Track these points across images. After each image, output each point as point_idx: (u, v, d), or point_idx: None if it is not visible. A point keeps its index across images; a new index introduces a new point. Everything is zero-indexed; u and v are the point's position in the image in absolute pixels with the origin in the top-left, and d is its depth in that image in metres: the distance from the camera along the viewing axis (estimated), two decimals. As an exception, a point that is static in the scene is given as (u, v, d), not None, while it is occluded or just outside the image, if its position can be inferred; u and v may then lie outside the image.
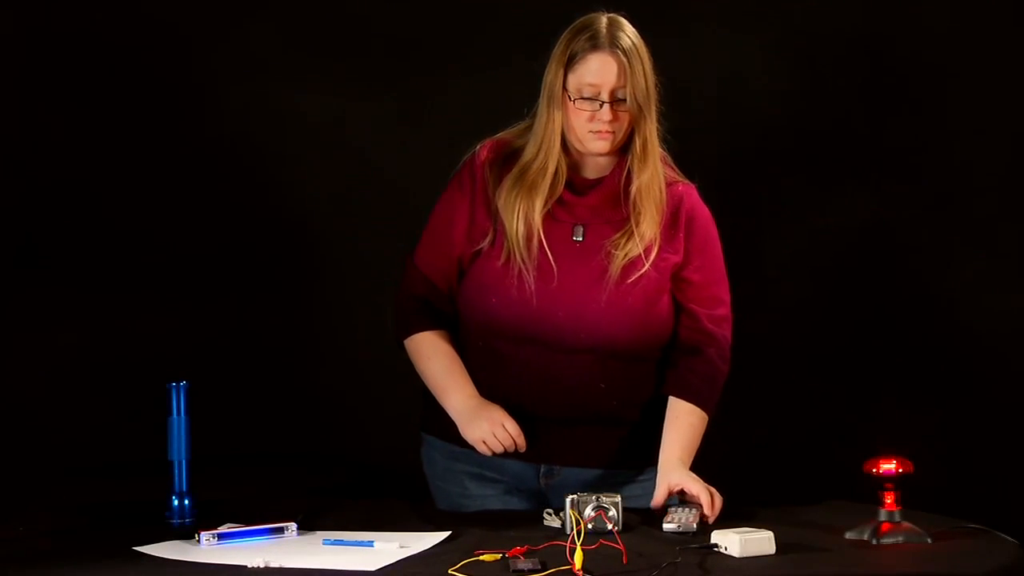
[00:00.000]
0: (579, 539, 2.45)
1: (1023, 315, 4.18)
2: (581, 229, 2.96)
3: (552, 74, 2.92)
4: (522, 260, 2.92)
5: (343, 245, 4.20)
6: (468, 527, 2.70)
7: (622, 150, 2.96)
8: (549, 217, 2.94)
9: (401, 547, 2.56)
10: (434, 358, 3.01)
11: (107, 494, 3.29)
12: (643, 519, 2.75)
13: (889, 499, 2.64)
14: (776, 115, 4.21)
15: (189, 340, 4.12)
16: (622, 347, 2.95)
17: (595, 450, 3.00)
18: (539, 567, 2.40)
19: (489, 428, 2.92)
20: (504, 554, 2.47)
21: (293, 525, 2.67)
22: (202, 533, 2.61)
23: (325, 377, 4.18)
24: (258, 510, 2.76)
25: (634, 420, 3.00)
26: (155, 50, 4.16)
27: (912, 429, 4.06)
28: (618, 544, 2.49)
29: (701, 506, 2.76)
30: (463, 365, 3.01)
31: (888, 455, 2.64)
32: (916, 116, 4.21)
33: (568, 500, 2.66)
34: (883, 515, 2.64)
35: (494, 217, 2.96)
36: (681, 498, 2.82)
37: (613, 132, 2.90)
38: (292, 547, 2.60)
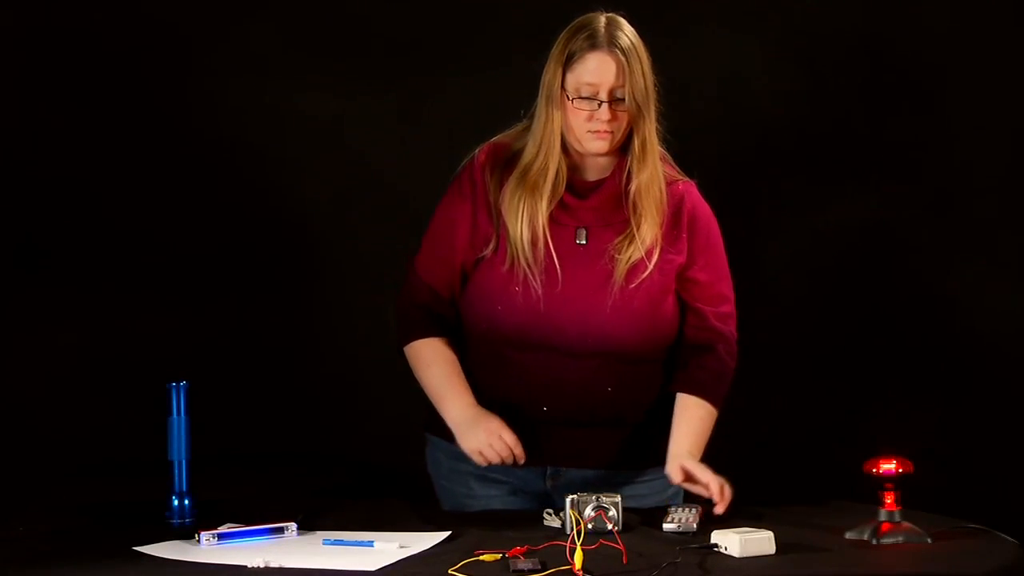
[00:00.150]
0: (579, 539, 2.45)
1: (1023, 315, 4.19)
2: (584, 232, 2.95)
3: (550, 74, 2.91)
4: (527, 264, 2.91)
5: (343, 245, 4.20)
6: (468, 527, 2.70)
7: (622, 151, 2.95)
8: (551, 221, 2.93)
9: (401, 547, 2.56)
10: (433, 365, 2.99)
11: (107, 494, 3.29)
12: (643, 519, 2.75)
13: (889, 499, 2.64)
14: (776, 115, 4.21)
15: (189, 340, 4.12)
16: (628, 350, 2.94)
17: (601, 451, 2.99)
18: (539, 567, 2.40)
19: (486, 439, 2.90)
20: (504, 554, 2.47)
21: (293, 525, 2.67)
22: (202, 533, 2.61)
23: (325, 377, 4.18)
24: (258, 510, 2.76)
25: (640, 420, 3.00)
26: (155, 50, 4.17)
27: (912, 429, 4.06)
28: (618, 544, 2.49)
29: (701, 506, 2.76)
30: (462, 373, 2.99)
31: (888, 455, 2.64)
32: (916, 116, 4.21)
33: (568, 500, 2.65)
34: (883, 515, 2.64)
35: (496, 222, 2.95)
36: (692, 481, 2.81)
37: (611, 132, 2.89)
38: (292, 547, 2.60)
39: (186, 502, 2.82)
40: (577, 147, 2.93)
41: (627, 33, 2.90)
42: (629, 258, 2.92)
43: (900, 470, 2.63)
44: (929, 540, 2.61)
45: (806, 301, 4.22)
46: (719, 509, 2.77)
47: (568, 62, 2.90)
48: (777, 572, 2.46)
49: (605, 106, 2.87)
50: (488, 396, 2.98)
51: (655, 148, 2.94)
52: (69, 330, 4.13)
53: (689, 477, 2.85)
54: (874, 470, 2.64)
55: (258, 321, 4.19)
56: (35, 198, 4.15)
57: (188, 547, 2.59)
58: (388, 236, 4.10)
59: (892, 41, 4.21)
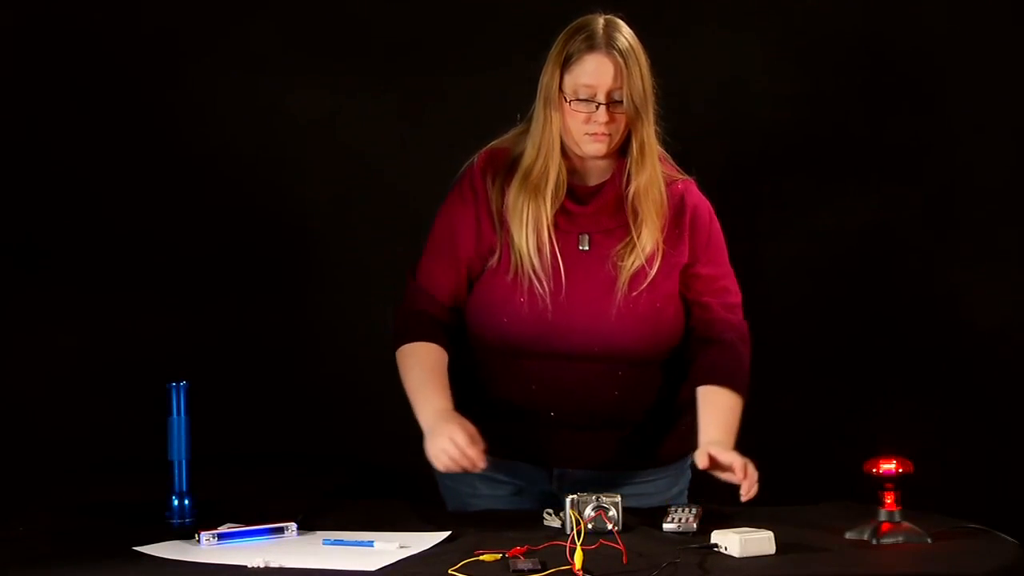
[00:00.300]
0: (579, 539, 2.45)
1: (1023, 316, 4.19)
2: (587, 238, 2.93)
3: (548, 75, 2.89)
4: (532, 270, 2.88)
5: (343, 245, 4.20)
6: (468, 527, 2.70)
7: (621, 154, 2.93)
8: (554, 228, 2.91)
9: (401, 547, 2.56)
10: (414, 368, 2.92)
11: (107, 494, 3.29)
12: (643, 519, 2.75)
13: (889, 499, 2.64)
14: (776, 116, 4.21)
15: (189, 340, 4.12)
16: (633, 354, 2.93)
17: (606, 452, 2.99)
18: (539, 567, 2.40)
19: (439, 444, 2.78)
20: (504, 554, 2.47)
21: (293, 525, 2.67)
22: (202, 533, 2.61)
23: (325, 377, 4.18)
24: (258, 510, 2.76)
25: (644, 421, 3.00)
26: (155, 50, 4.17)
27: (912, 429, 4.06)
28: (618, 544, 2.49)
29: (701, 507, 2.76)
30: (444, 376, 2.91)
31: (888, 455, 2.64)
32: (917, 117, 4.21)
33: (568, 500, 2.65)
34: (883, 515, 2.63)
35: (499, 231, 2.92)
36: (718, 467, 2.78)
37: (609, 134, 2.87)
38: (292, 547, 2.59)
39: (186, 502, 2.82)
40: (575, 149, 2.91)
41: (625, 35, 2.88)
42: (631, 266, 2.90)
43: (900, 470, 2.63)
44: (929, 540, 2.61)
45: (807, 301, 4.22)
46: (744, 490, 2.72)
47: (566, 64, 2.88)
48: (777, 572, 2.46)
49: (603, 108, 2.85)
50: (495, 401, 2.97)
51: (654, 151, 2.92)
52: (69, 330, 4.13)
53: (714, 463, 2.78)
54: (874, 470, 2.64)
55: (258, 321, 4.20)
56: (35, 198, 4.15)
57: (188, 547, 2.59)
58: (388, 236, 4.11)
59: (892, 42, 4.22)
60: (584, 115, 2.87)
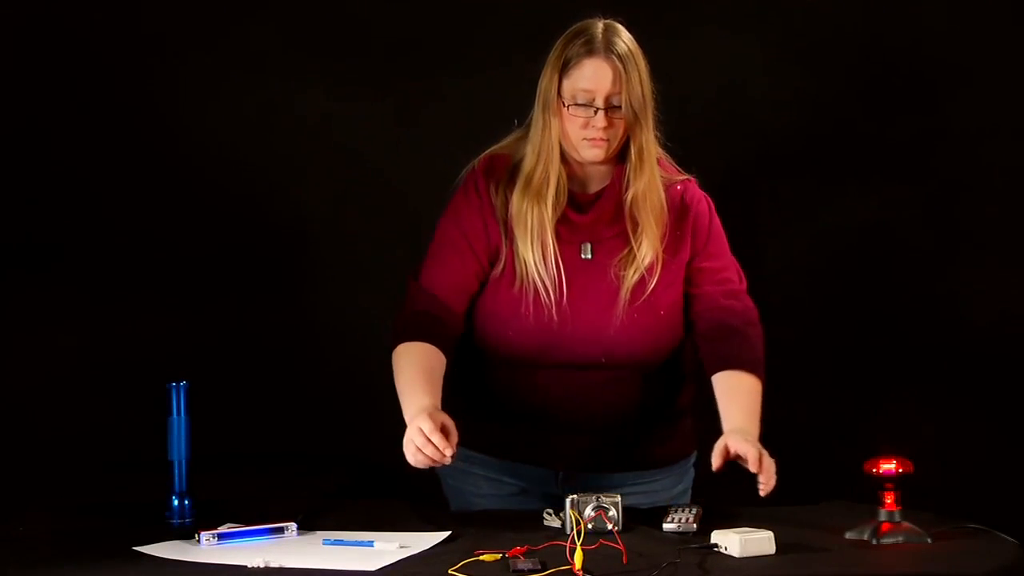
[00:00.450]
0: (579, 539, 2.45)
1: (1023, 316, 4.19)
2: (589, 247, 2.92)
3: (547, 80, 2.87)
4: (538, 279, 2.86)
5: (343, 245, 4.21)
6: (468, 527, 2.70)
7: (620, 160, 2.91)
8: (556, 238, 2.89)
9: (401, 547, 2.56)
10: (403, 369, 2.85)
11: (107, 494, 3.29)
12: (643, 519, 2.75)
13: (889, 499, 2.64)
14: (777, 117, 4.21)
15: (189, 340, 4.12)
16: (637, 361, 2.93)
17: (611, 454, 2.99)
18: (539, 567, 2.40)
19: (408, 435, 2.69)
20: (504, 554, 2.47)
21: (293, 525, 2.67)
22: (202, 533, 2.61)
23: (325, 377, 4.18)
24: (258, 510, 2.76)
25: (648, 422, 3.00)
26: (155, 51, 4.17)
27: (912, 429, 4.06)
28: (618, 544, 2.49)
29: (701, 507, 2.76)
30: (433, 376, 2.83)
31: (888, 455, 2.64)
32: (917, 117, 4.21)
33: (568, 500, 2.65)
34: (883, 515, 2.63)
35: (504, 237, 2.90)
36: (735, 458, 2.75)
37: (607, 140, 2.85)
38: (292, 547, 2.60)
39: (186, 502, 2.82)
40: (573, 155, 2.89)
41: (625, 40, 2.86)
42: (632, 276, 2.89)
43: (900, 470, 2.63)
44: (929, 540, 2.61)
45: (807, 302, 4.22)
46: (761, 482, 2.68)
47: (564, 68, 2.85)
48: (777, 572, 2.46)
49: (601, 113, 2.83)
50: (498, 407, 2.97)
51: (652, 156, 2.90)
52: (69, 330, 4.13)
53: (728, 454, 2.72)
54: (874, 470, 2.64)
55: (258, 321, 4.20)
56: (35, 198, 4.15)
57: (188, 547, 2.59)
58: (387, 236, 4.11)
59: (892, 43, 4.22)
60: (582, 120, 2.84)
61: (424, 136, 4.15)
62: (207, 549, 2.58)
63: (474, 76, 4.13)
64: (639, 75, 2.84)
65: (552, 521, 2.72)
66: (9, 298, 4.12)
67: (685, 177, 3.00)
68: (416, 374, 2.82)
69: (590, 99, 2.84)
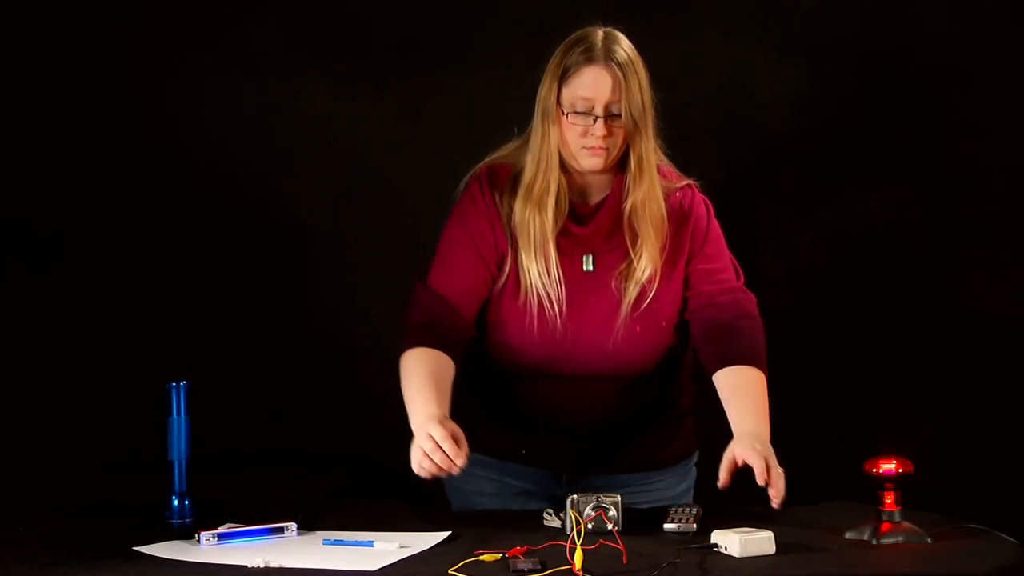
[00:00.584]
0: (579, 539, 2.45)
1: (1023, 316, 4.19)
2: (591, 258, 2.90)
3: (546, 88, 2.85)
4: (542, 288, 2.85)
5: (343, 245, 4.20)
6: (468, 527, 2.70)
7: (620, 169, 2.90)
8: (557, 251, 2.87)
9: (401, 547, 2.56)
10: (410, 376, 2.81)
11: (107, 494, 3.29)
12: (643, 519, 2.75)
13: (889, 499, 2.64)
14: (777, 118, 4.20)
15: (189, 340, 4.12)
16: (640, 370, 2.93)
17: (614, 457, 2.99)
18: (539, 567, 2.40)
19: (416, 442, 2.67)
20: (504, 554, 2.47)
21: (293, 525, 2.67)
22: (202, 533, 2.61)
23: (325, 377, 4.18)
24: (258, 510, 2.76)
25: (650, 425, 3.00)
26: (155, 50, 4.17)
27: (912, 429, 4.06)
28: (618, 544, 2.49)
29: (701, 507, 2.76)
30: (441, 382, 2.79)
31: (888, 455, 2.64)
32: (917, 118, 4.21)
33: (568, 500, 2.65)
34: (883, 515, 2.63)
35: (509, 245, 2.88)
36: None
37: (607, 148, 2.83)
38: (292, 547, 2.60)
39: (186, 502, 2.82)
40: (573, 163, 2.87)
41: (624, 48, 2.84)
42: (632, 289, 2.88)
43: (900, 470, 2.63)
44: (929, 540, 2.61)
45: (807, 302, 4.22)
46: (771, 495, 2.65)
47: (564, 76, 2.83)
48: (777, 572, 2.46)
49: (600, 121, 2.81)
50: (500, 414, 2.97)
51: (652, 165, 2.87)
52: (69, 330, 4.13)
53: (737, 465, 2.69)
54: (874, 470, 2.64)
55: (258, 321, 4.19)
56: (35, 198, 4.15)
57: (188, 547, 2.59)
58: (387, 236, 4.11)
59: (892, 44, 4.22)
60: (581, 128, 2.83)
61: (424, 136, 4.15)
62: (207, 549, 2.58)
63: (474, 76, 4.13)
64: (639, 83, 2.82)
65: (552, 521, 2.72)
66: (9, 297, 4.12)
67: (686, 183, 2.98)
68: (425, 381, 2.78)
69: (589, 107, 2.82)
